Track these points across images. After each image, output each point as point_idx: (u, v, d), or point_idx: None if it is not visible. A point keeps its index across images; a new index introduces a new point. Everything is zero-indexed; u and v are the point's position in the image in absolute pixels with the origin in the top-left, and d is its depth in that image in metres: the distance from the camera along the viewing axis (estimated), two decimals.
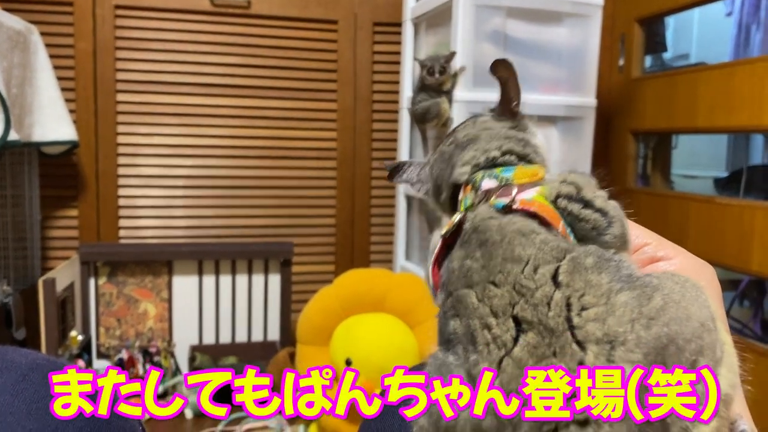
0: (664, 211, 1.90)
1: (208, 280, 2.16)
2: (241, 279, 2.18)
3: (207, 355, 2.10)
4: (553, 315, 0.36)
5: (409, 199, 2.21)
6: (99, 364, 2.10)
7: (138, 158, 2.21)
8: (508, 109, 0.50)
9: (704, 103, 1.80)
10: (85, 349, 2.03)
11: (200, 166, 2.25)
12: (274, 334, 2.22)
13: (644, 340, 0.35)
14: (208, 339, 2.18)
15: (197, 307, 2.16)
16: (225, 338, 2.19)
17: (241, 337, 2.20)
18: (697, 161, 2.98)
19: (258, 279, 2.19)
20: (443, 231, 0.44)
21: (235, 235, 2.29)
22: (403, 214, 2.22)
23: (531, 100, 1.83)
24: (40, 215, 2.07)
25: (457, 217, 0.44)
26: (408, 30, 2.15)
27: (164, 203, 2.24)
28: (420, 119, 1.91)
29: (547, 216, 0.41)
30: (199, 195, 2.26)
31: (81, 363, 1.95)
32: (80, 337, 1.99)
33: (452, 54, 1.78)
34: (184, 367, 2.11)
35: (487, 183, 0.45)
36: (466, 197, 0.46)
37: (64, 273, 1.95)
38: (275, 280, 2.20)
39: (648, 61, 2.35)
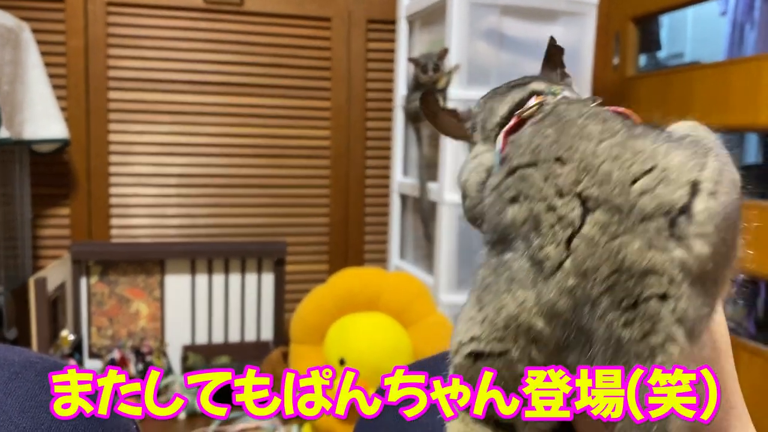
0: None
1: (201, 279, 2.15)
2: (234, 278, 2.17)
3: (199, 355, 2.09)
4: (617, 191, 0.34)
5: (404, 198, 2.20)
6: (90, 364, 2.08)
7: (130, 156, 2.19)
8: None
9: (699, 102, 1.80)
10: (76, 349, 2.01)
11: (193, 165, 2.24)
12: (267, 334, 2.21)
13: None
14: (201, 339, 2.16)
15: (190, 306, 2.15)
16: (218, 338, 2.18)
17: (234, 336, 2.19)
18: None
19: (251, 278, 2.18)
20: (521, 110, 0.43)
21: (228, 234, 2.27)
22: (397, 213, 2.22)
23: None
24: (31, 214, 2.05)
25: (534, 100, 0.43)
26: (402, 28, 2.15)
27: (156, 202, 2.22)
28: (414, 118, 1.90)
29: (632, 116, 0.41)
30: (192, 194, 2.24)
31: (72, 362, 1.93)
32: (71, 337, 1.98)
33: (445, 51, 1.77)
34: (177, 367, 2.10)
35: (568, 92, 0.45)
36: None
37: (56, 272, 1.93)
38: (268, 279, 2.19)
39: (642, 59, 2.35)
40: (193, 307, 2.15)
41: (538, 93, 0.45)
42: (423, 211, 1.94)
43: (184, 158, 2.23)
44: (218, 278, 2.16)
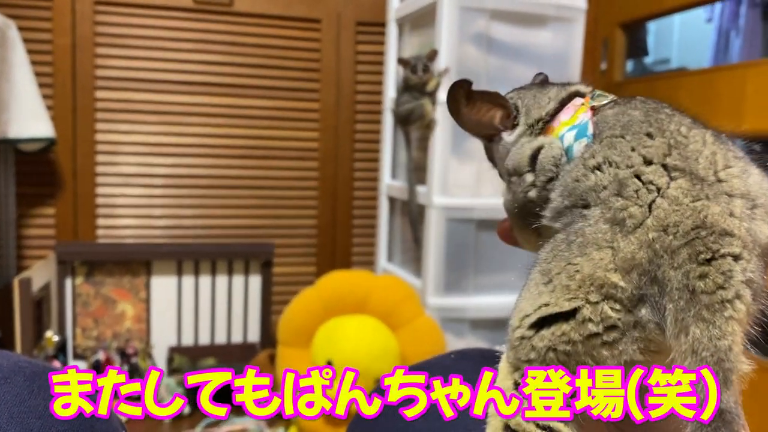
0: None
1: (188, 280, 2.13)
2: (221, 280, 2.16)
3: (185, 357, 2.07)
4: (703, 166, 0.38)
5: (392, 201, 2.20)
6: (75, 365, 2.06)
7: (117, 156, 2.18)
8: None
9: (684, 108, 1.81)
10: (60, 350, 1.99)
11: (180, 165, 2.22)
12: (254, 336, 2.20)
13: None
14: (187, 340, 2.15)
15: (176, 308, 2.13)
16: (204, 340, 2.16)
17: (221, 338, 2.18)
18: None
19: (238, 280, 2.17)
20: (595, 102, 0.46)
21: (215, 235, 2.26)
22: (385, 215, 2.22)
23: None
24: (16, 213, 2.03)
25: (606, 99, 0.46)
26: (392, 30, 2.15)
27: (143, 202, 2.21)
28: (403, 121, 1.90)
29: None
30: (179, 194, 2.23)
31: (57, 364, 1.91)
32: (56, 338, 1.96)
33: (434, 52, 1.78)
34: (162, 368, 2.08)
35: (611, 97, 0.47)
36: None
37: (40, 272, 1.91)
38: (256, 281, 2.18)
39: (630, 65, 2.37)
40: (179, 308, 2.14)
41: (581, 94, 0.48)
42: (412, 214, 1.94)
43: (171, 159, 2.21)
44: (205, 280, 2.15)
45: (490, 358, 0.49)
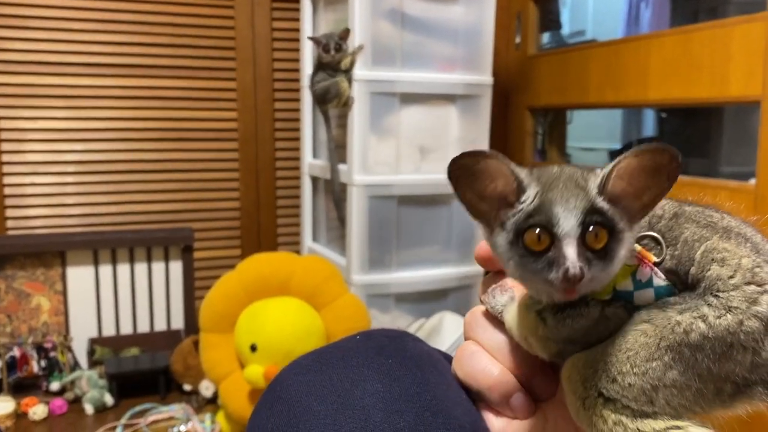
0: None
1: (105, 269, 2.07)
2: (140, 267, 2.10)
3: (107, 348, 2.02)
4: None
5: (315, 180, 2.19)
6: None
7: (23, 144, 2.08)
8: None
9: (594, 79, 1.86)
10: None
11: (92, 151, 2.14)
12: (178, 323, 2.17)
13: None
14: (108, 331, 2.09)
15: (95, 298, 2.07)
16: (126, 329, 2.11)
17: (144, 327, 2.13)
18: (595, 134, 3.09)
19: (158, 267, 2.12)
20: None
21: (132, 221, 2.20)
22: (308, 194, 2.20)
23: (428, 78, 1.84)
24: None
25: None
26: (306, 7, 2.11)
27: (54, 191, 2.12)
28: (320, 100, 1.88)
29: None
30: (92, 181, 2.15)
31: None
32: None
33: (346, 31, 1.76)
34: (83, 361, 2.03)
35: None
36: None
37: None
38: (177, 267, 2.14)
39: (546, 37, 2.41)
40: (98, 298, 2.08)
41: None
42: (335, 193, 1.94)
43: (83, 144, 2.13)
44: (123, 268, 2.09)
45: (394, 338, 0.49)
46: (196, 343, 1.88)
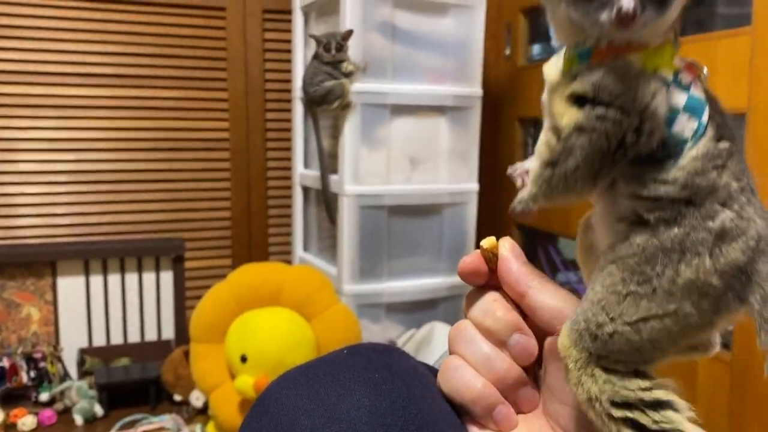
0: None
1: (96, 279, 2.07)
2: (131, 277, 2.10)
3: (97, 358, 2.02)
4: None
5: (306, 190, 2.19)
6: None
7: (15, 153, 2.08)
8: None
9: None
10: None
11: (84, 161, 2.14)
12: (168, 333, 2.16)
13: None
14: (99, 341, 2.09)
15: (85, 308, 2.07)
16: (116, 339, 2.11)
17: (134, 337, 2.13)
18: None
19: (149, 277, 2.12)
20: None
21: (123, 231, 2.20)
22: (300, 204, 2.21)
23: (419, 90, 1.86)
24: None
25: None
26: (298, 18, 2.13)
27: (45, 200, 2.12)
28: (319, 101, 1.85)
29: None
30: (84, 191, 2.15)
31: None
32: None
33: (349, 31, 1.76)
34: (73, 371, 2.02)
35: None
36: None
37: None
38: (167, 277, 2.14)
39: (536, 49, 2.43)
40: (89, 308, 2.07)
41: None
42: (326, 192, 1.91)
43: (74, 154, 2.13)
44: (114, 278, 2.09)
45: (381, 353, 0.50)
46: (186, 353, 1.88)
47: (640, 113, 0.38)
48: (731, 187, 0.39)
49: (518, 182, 0.46)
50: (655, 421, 0.39)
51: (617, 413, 0.40)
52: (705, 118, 0.40)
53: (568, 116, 0.40)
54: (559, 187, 0.41)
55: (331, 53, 1.77)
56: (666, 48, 0.39)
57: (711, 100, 0.41)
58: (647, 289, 0.39)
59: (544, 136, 0.42)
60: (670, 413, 0.39)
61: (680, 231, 0.39)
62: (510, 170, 0.47)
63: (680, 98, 0.39)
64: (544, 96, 0.44)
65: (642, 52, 0.38)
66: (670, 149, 0.39)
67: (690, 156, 0.39)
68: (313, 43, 2.09)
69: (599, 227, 0.45)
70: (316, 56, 1.83)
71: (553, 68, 0.43)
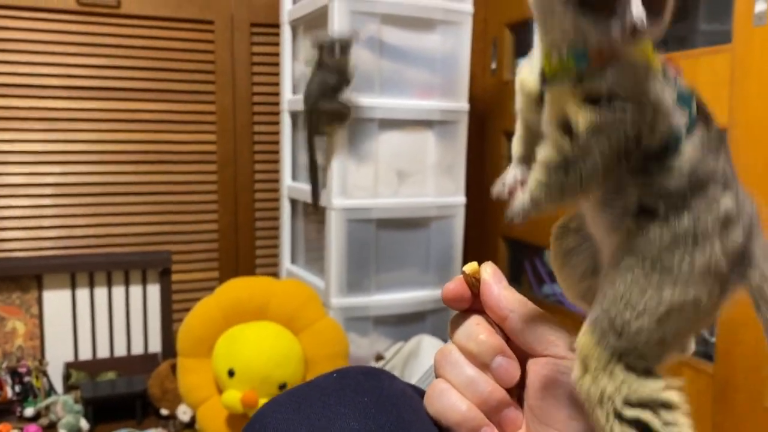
0: None
1: (82, 293, 2.06)
2: (118, 291, 2.09)
3: (83, 372, 2.01)
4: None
5: (294, 203, 2.20)
6: None
7: (1, 166, 2.07)
8: None
9: None
10: None
11: (70, 173, 2.14)
12: (155, 347, 2.15)
13: None
14: (85, 355, 2.08)
15: (71, 322, 2.06)
16: (103, 353, 2.10)
17: (120, 351, 2.12)
18: None
19: (136, 290, 2.11)
20: None
21: (110, 244, 2.19)
22: (287, 217, 2.21)
23: (406, 105, 1.87)
24: None
25: None
26: (286, 32, 2.14)
27: (31, 213, 2.11)
28: (329, 120, 1.79)
29: None
30: (70, 204, 2.14)
31: None
32: None
33: (355, 33, 1.73)
34: (59, 386, 2.01)
35: None
36: None
37: None
38: (154, 290, 2.13)
39: (522, 63, 2.45)
40: (75, 322, 2.06)
41: None
42: (312, 168, 1.90)
43: (61, 167, 2.13)
44: (101, 291, 2.08)
45: (370, 377, 0.50)
46: (173, 367, 1.87)
47: (653, 107, 0.39)
48: (728, 170, 0.41)
49: (511, 197, 0.46)
50: (665, 423, 0.40)
51: (629, 413, 0.40)
52: (694, 107, 0.41)
53: (585, 117, 0.39)
54: (571, 190, 0.41)
55: (335, 57, 1.70)
56: (649, 44, 0.40)
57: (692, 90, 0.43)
58: (669, 280, 0.40)
59: (550, 140, 0.42)
60: (678, 415, 0.40)
61: (690, 218, 0.40)
62: (497, 190, 0.47)
63: (671, 90, 0.41)
64: (521, 104, 0.45)
65: (639, 49, 0.40)
66: (669, 140, 0.40)
67: (689, 145, 0.40)
68: (301, 57, 2.11)
69: (600, 229, 0.45)
70: (320, 65, 1.74)
71: (529, 73, 0.44)
